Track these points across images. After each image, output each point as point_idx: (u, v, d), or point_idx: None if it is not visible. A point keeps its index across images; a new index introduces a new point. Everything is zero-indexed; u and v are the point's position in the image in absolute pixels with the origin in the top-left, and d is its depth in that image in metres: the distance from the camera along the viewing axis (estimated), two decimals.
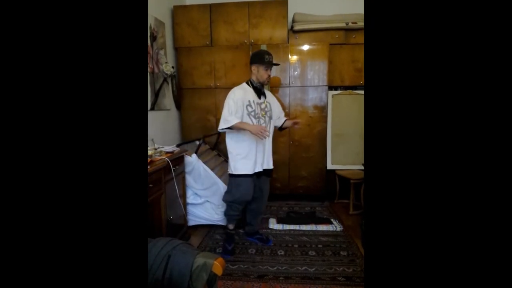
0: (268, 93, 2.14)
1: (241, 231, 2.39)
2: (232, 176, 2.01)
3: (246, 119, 1.91)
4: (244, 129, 1.85)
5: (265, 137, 1.84)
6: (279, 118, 2.18)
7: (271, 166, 2.12)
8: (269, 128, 2.04)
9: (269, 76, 1.97)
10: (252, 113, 1.93)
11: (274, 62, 1.97)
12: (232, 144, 1.99)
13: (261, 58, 1.93)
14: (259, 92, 2.00)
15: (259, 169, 2.02)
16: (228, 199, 2.07)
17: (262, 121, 1.98)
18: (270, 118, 2.05)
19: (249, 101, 1.93)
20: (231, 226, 2.14)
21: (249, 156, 1.96)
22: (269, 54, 1.96)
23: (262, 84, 1.99)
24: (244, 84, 2.02)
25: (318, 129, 2.99)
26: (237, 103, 1.88)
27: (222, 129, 1.90)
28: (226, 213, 2.15)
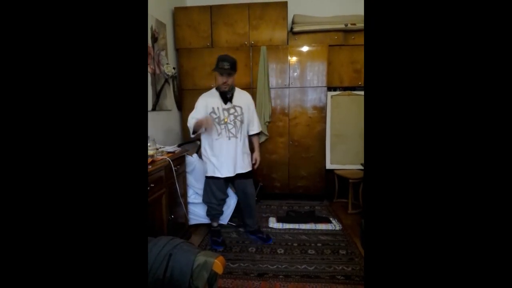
0: (244, 96, 2.07)
1: (241, 229, 2.41)
2: (206, 177, 2.15)
3: (213, 126, 1.98)
4: (200, 127, 1.91)
5: (208, 126, 1.89)
6: (252, 123, 2.11)
7: (245, 170, 2.09)
8: (240, 132, 2.03)
9: (225, 82, 1.91)
10: (216, 120, 1.97)
11: (226, 68, 1.88)
12: (205, 147, 2.09)
13: (216, 64, 1.92)
14: (226, 97, 1.99)
15: (229, 174, 2.03)
16: (205, 200, 2.20)
17: (230, 126, 1.98)
18: (242, 122, 2.02)
19: (212, 108, 1.97)
20: (215, 224, 2.26)
21: (216, 161, 2.03)
22: (225, 60, 1.90)
23: (227, 89, 1.96)
24: (213, 90, 2.05)
25: (318, 129, 3.00)
26: (200, 110, 1.98)
27: (192, 135, 1.99)
28: (208, 214, 2.25)
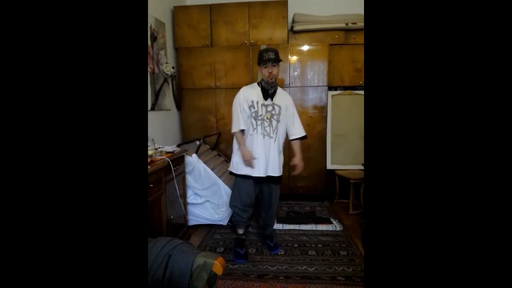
0: (284, 97, 1.96)
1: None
2: (233, 175, 2.01)
3: (248, 120, 1.90)
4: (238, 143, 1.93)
5: (250, 164, 1.88)
6: (293, 127, 1.97)
7: (276, 174, 1.94)
8: (276, 132, 1.90)
9: (271, 73, 1.81)
10: (254, 114, 1.87)
11: (273, 57, 1.80)
12: (236, 144, 1.99)
13: (259, 57, 1.84)
14: (267, 93, 1.89)
15: (260, 174, 1.90)
16: (231, 202, 2.07)
17: (266, 123, 1.87)
18: (278, 121, 1.89)
19: (252, 101, 1.87)
20: (240, 231, 2.09)
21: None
22: (268, 50, 1.83)
23: (270, 85, 1.87)
24: (255, 83, 1.96)
25: (318, 129, 2.99)
26: (242, 105, 1.89)
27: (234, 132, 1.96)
28: (233, 219, 2.09)
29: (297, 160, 1.99)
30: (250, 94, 1.89)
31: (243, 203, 1.99)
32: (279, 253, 2.03)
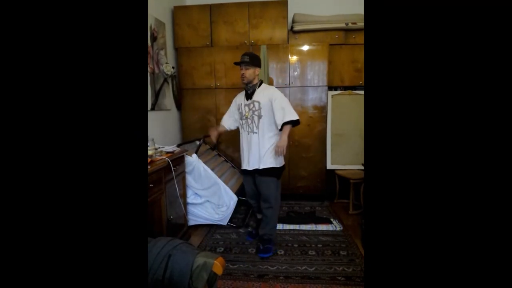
0: (266, 92, 1.98)
1: (241, 230, 2.39)
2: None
3: (239, 121, 2.12)
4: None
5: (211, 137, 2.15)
6: (275, 117, 1.96)
7: (261, 166, 1.99)
8: (259, 127, 1.97)
9: (242, 74, 1.96)
10: (240, 115, 2.09)
11: (244, 60, 1.93)
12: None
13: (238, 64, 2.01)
14: (247, 94, 2.04)
15: (247, 167, 2.06)
16: None
17: (249, 121, 2.01)
18: (259, 117, 1.97)
19: (238, 104, 2.09)
20: (258, 216, 2.32)
21: (240, 153, 2.14)
22: (245, 54, 1.97)
23: (247, 86, 2.00)
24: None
25: (318, 129, 2.99)
26: (231, 108, 2.18)
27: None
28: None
29: (278, 140, 1.95)
30: (239, 98, 2.12)
31: (246, 193, 2.25)
32: (279, 253, 2.03)
